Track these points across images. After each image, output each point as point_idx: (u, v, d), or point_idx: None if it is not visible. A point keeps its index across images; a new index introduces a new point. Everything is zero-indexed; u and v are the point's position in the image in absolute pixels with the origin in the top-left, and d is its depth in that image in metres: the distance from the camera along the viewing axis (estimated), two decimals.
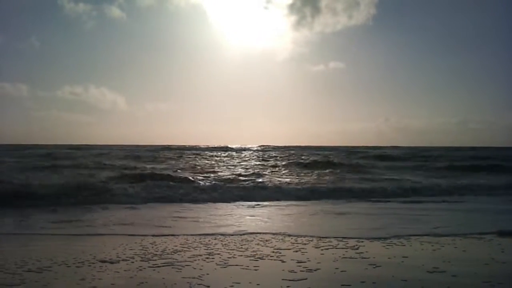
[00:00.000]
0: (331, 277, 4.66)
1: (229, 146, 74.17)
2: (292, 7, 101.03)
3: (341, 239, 6.76)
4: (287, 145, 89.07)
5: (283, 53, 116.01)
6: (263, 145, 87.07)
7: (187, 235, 7.14)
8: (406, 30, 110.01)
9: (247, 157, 37.07)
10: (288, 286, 4.31)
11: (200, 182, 15.12)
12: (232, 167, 24.14)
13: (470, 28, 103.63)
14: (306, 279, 4.55)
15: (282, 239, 6.83)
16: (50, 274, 4.72)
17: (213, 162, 29.79)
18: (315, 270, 4.88)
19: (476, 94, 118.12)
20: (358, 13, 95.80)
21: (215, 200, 12.01)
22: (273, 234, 7.22)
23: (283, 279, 4.51)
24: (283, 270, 4.90)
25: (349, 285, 4.35)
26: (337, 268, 4.96)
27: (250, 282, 4.42)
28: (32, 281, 4.49)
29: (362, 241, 6.58)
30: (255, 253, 5.75)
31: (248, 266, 5.08)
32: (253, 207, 10.99)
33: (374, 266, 5.07)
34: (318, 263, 5.21)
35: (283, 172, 21.84)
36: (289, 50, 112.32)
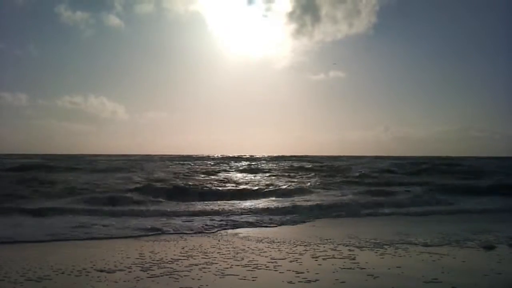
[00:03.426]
0: None
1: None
2: (291, 15, 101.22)
3: (334, 247, 6.82)
4: (286, 154, 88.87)
5: (282, 62, 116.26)
6: (262, 155, 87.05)
7: (183, 236, 7.20)
8: (407, 39, 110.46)
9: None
10: None
11: None
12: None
13: (471, 36, 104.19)
14: None
15: (277, 247, 6.87)
16: (49, 284, 4.72)
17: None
18: (314, 281, 4.88)
19: (478, 101, 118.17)
20: (358, 21, 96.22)
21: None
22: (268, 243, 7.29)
23: None
24: (283, 281, 4.90)
25: None
26: (336, 279, 4.96)
27: None
28: None
29: (353, 250, 6.61)
30: (251, 263, 5.76)
31: (245, 277, 5.07)
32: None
33: (373, 277, 5.07)
34: (317, 273, 5.21)
35: None
36: (289, 59, 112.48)
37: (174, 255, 6.24)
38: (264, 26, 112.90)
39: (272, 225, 9.44)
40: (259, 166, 35.94)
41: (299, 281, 4.86)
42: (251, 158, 62.91)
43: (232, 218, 10.26)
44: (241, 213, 11.07)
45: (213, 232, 8.43)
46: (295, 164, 38.50)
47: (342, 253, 6.42)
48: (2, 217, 9.69)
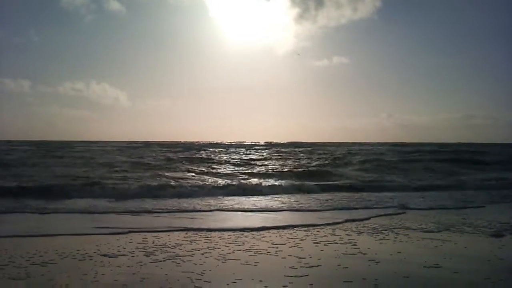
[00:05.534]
0: (332, 274, 4.68)
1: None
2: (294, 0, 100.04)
3: (333, 232, 6.89)
4: (289, 141, 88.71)
5: (285, 47, 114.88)
6: (268, 142, 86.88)
7: (187, 229, 7.24)
8: (411, 25, 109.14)
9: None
10: (290, 283, 4.32)
11: None
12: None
13: (476, 23, 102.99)
14: (307, 275, 4.57)
15: (278, 232, 6.92)
16: (54, 268, 4.76)
17: None
18: (316, 266, 4.90)
19: (481, 89, 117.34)
20: (363, 6, 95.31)
21: None
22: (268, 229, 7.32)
23: (285, 276, 4.53)
24: (285, 266, 4.92)
25: (351, 282, 4.37)
26: (339, 265, 4.98)
27: (252, 279, 4.44)
28: (37, 274, 4.52)
29: (351, 235, 6.64)
30: (252, 248, 5.80)
31: (247, 262, 5.10)
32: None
33: (375, 262, 5.10)
34: (319, 259, 5.24)
35: None
36: (292, 44, 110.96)
37: (177, 240, 6.28)
38: (267, 11, 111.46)
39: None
40: (264, 155, 35.80)
41: (301, 266, 4.88)
42: (252, 145, 62.87)
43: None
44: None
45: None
46: (301, 151, 38.55)
47: (342, 238, 6.45)
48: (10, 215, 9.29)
